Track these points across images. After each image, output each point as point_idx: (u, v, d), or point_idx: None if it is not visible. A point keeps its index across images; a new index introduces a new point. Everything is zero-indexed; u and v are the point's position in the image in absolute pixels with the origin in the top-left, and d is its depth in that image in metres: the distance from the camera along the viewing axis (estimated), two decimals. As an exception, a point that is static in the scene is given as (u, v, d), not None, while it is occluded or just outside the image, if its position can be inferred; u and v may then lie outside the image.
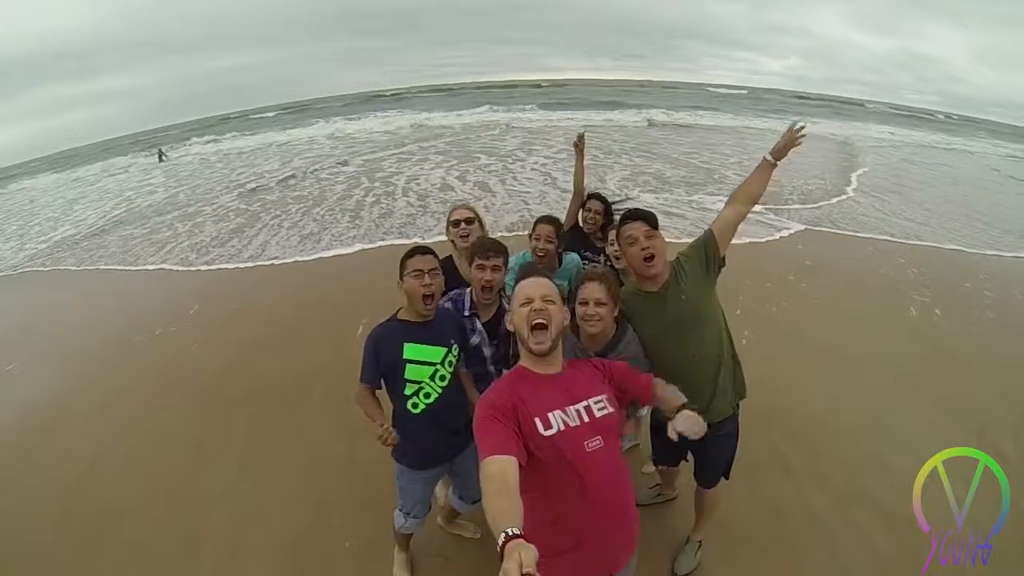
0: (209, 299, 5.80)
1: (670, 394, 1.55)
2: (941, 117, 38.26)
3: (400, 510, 2.17)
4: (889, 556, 2.29)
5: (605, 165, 12.11)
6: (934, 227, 8.16)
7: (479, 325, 2.14)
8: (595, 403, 1.44)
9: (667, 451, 2.18)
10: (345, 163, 14.25)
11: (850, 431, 3.20)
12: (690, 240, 1.95)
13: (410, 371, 1.89)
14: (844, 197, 9.81)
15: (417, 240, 7.14)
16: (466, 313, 2.14)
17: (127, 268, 7.41)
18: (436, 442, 2.02)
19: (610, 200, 3.01)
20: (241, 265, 6.89)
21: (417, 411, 1.93)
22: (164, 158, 21.86)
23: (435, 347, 1.93)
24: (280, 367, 4.14)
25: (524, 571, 0.81)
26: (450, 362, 1.95)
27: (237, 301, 5.68)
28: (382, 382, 1.94)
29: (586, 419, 1.39)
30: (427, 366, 1.91)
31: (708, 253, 1.84)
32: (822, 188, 10.40)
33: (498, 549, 0.90)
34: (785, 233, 7.27)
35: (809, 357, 4.09)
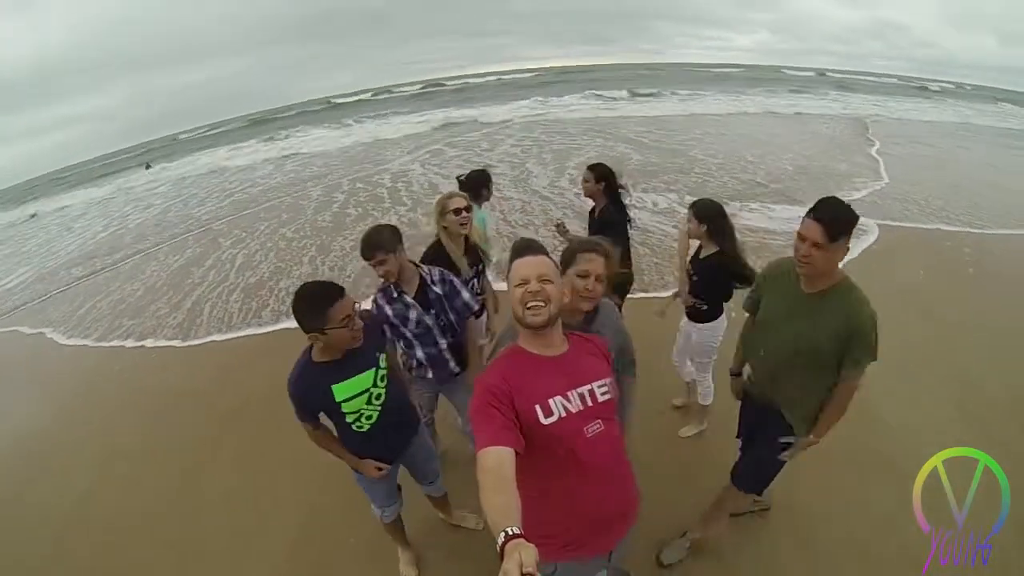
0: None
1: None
2: (936, 88, 38.29)
3: (373, 505, 2.30)
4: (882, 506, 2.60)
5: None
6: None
7: (409, 300, 2.28)
8: (598, 387, 1.43)
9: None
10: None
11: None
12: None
13: (346, 407, 1.90)
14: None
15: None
16: (395, 294, 2.28)
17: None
18: (385, 446, 2.10)
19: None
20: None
21: (362, 431, 1.98)
22: (150, 167, 24.53)
23: (363, 374, 1.90)
24: (268, 377, 4.26)
25: (524, 571, 0.83)
26: (382, 376, 1.96)
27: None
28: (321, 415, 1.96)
29: (589, 403, 1.40)
30: (361, 395, 1.91)
31: (851, 347, 1.73)
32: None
33: (498, 548, 0.92)
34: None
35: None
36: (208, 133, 45.06)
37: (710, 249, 2.70)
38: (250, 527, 2.93)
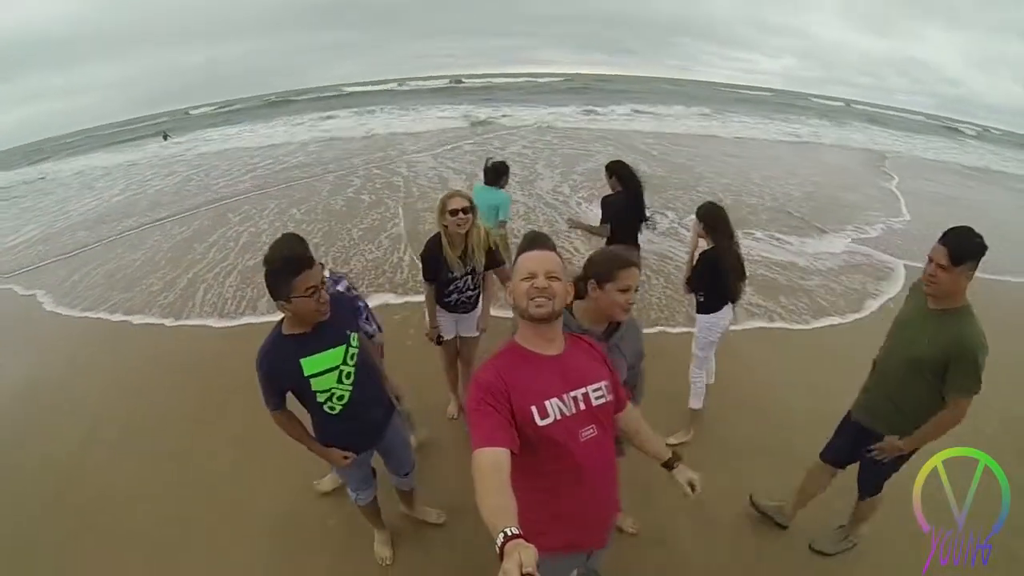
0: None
1: (651, 438, 1.66)
2: (972, 133, 37.51)
3: (348, 488, 2.37)
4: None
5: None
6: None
7: None
8: (593, 391, 1.45)
9: (843, 450, 2.40)
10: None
11: (828, 418, 3.45)
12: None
13: (316, 384, 1.91)
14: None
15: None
16: None
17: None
18: (359, 433, 2.13)
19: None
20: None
21: (334, 413, 2.00)
22: (168, 138, 24.54)
23: (333, 350, 1.92)
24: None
25: (524, 571, 0.84)
26: (352, 355, 1.97)
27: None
28: (292, 395, 1.98)
29: (583, 407, 1.42)
30: (331, 372, 1.92)
31: (953, 369, 1.89)
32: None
33: (497, 549, 0.94)
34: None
35: (792, 347, 4.50)
36: (221, 111, 45.31)
37: (708, 245, 3.03)
38: (236, 504, 3.01)
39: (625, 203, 3.80)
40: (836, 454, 2.43)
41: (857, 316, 5.33)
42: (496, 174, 4.21)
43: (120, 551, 2.76)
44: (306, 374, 1.87)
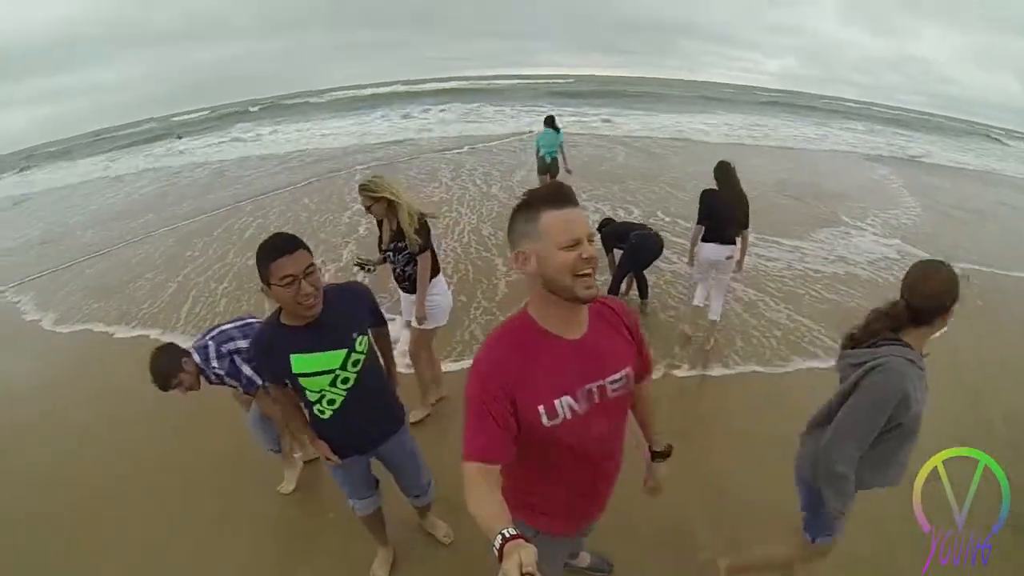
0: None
1: (652, 420, 1.71)
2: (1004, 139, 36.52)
3: (348, 497, 2.26)
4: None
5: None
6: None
7: None
8: (611, 382, 1.34)
9: None
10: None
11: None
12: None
13: (305, 383, 1.81)
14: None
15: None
16: None
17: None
18: (352, 437, 2.02)
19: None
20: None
21: (325, 417, 1.91)
22: (179, 137, 26.53)
23: (331, 353, 1.79)
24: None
25: (524, 571, 0.85)
26: (355, 361, 1.85)
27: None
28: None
29: (596, 401, 1.32)
30: (324, 375, 1.80)
31: None
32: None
33: (495, 551, 0.95)
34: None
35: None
36: (211, 116, 45.80)
37: None
38: (233, 498, 3.11)
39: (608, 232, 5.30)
40: None
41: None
42: (553, 122, 7.99)
43: (110, 550, 2.85)
44: (295, 371, 1.77)
